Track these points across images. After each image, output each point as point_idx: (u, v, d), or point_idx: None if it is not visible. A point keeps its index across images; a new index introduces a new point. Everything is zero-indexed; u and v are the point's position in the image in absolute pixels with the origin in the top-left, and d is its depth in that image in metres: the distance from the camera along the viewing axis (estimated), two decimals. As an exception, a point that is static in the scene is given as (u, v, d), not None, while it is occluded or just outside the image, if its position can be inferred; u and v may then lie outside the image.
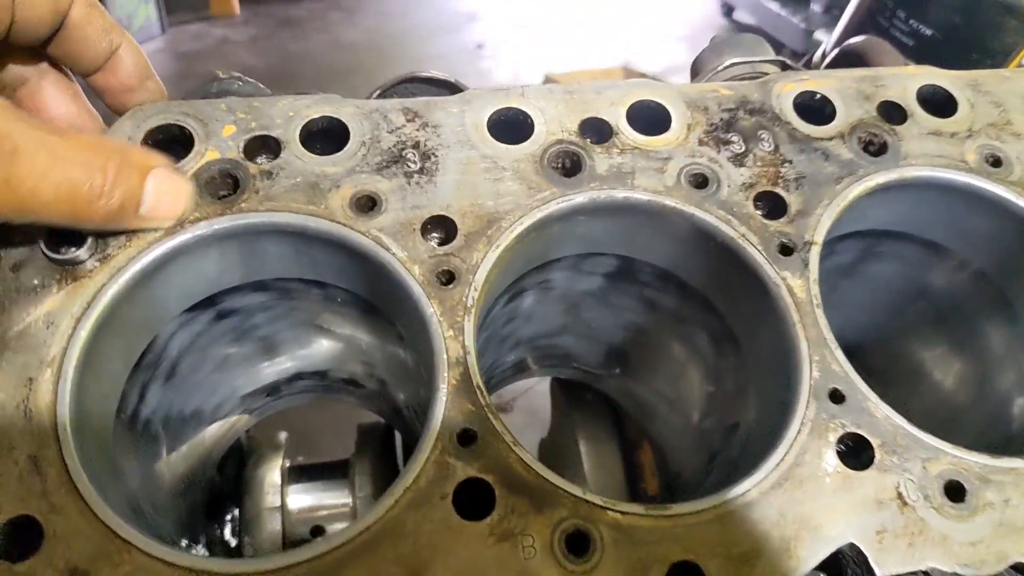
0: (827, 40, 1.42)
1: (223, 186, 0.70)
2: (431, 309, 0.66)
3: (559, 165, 0.75)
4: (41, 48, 0.67)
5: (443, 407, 0.63)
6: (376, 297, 0.76)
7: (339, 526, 1.09)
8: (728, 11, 8.46)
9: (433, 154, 0.73)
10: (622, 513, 0.60)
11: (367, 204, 0.70)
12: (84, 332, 0.62)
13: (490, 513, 0.60)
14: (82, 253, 0.63)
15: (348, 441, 1.35)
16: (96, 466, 0.61)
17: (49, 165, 0.56)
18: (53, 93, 0.72)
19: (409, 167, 0.72)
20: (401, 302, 0.70)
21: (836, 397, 0.67)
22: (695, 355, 0.87)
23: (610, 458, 1.08)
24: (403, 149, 0.73)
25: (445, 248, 0.69)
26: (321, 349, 0.92)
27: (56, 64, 0.71)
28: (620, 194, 0.73)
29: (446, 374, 0.64)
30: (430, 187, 0.71)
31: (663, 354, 0.92)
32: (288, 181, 0.70)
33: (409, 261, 0.68)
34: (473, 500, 0.61)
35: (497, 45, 7.73)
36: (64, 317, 0.62)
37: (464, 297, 0.67)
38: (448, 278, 0.68)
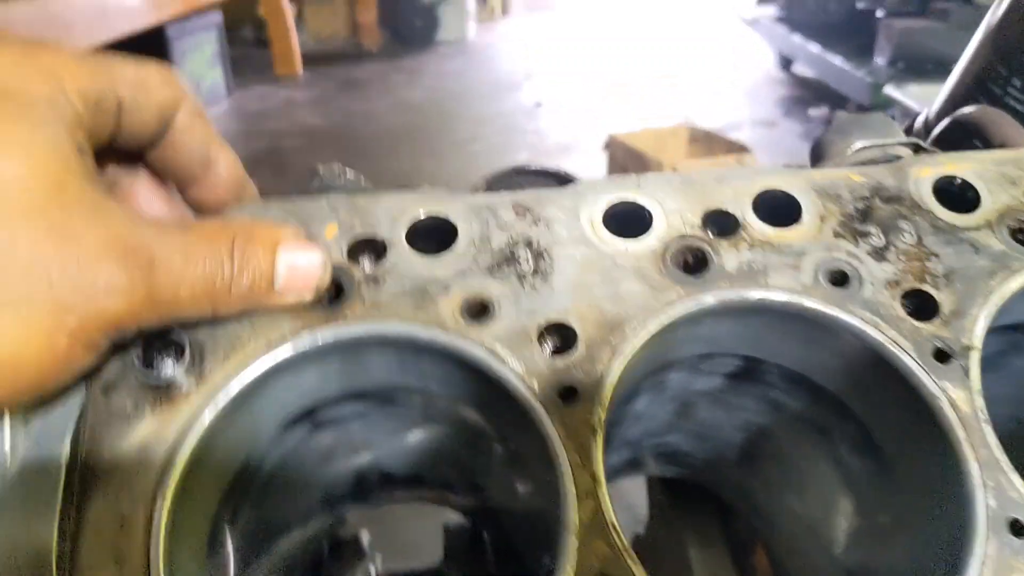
0: (928, 107, 1.34)
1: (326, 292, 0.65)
2: (554, 433, 0.60)
3: (683, 262, 0.68)
4: (139, 152, 0.64)
5: (573, 552, 0.56)
6: (486, 411, 0.70)
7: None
8: (786, 64, 8.41)
9: (547, 253, 0.67)
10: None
11: (479, 310, 0.65)
12: (180, 462, 0.57)
13: None
14: (179, 375, 0.59)
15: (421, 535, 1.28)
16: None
17: (184, 266, 0.54)
18: (147, 195, 0.68)
19: (521, 267, 0.67)
20: (515, 419, 0.64)
21: (1019, 529, 0.58)
22: (829, 467, 0.79)
23: (721, 562, 0.99)
24: (514, 247, 0.67)
25: (565, 359, 0.63)
26: (416, 455, 0.86)
27: (152, 169, 0.67)
28: (754, 295, 0.67)
29: (574, 514, 0.57)
30: (545, 289, 0.66)
31: (789, 462, 0.84)
32: (395, 286, 0.65)
33: (527, 375, 0.62)
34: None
35: (555, 103, 7.80)
36: (159, 446, 0.57)
37: (590, 416, 0.61)
38: (570, 394, 0.62)
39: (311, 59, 9.05)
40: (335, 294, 0.65)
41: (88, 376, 0.58)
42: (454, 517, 1.13)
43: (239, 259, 0.57)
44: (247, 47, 9.68)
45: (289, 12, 8.77)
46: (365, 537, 1.06)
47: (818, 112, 7.06)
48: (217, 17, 7.72)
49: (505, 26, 11.58)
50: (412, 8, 10.09)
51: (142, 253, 0.52)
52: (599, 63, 9.09)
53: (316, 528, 0.93)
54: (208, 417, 0.58)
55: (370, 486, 0.91)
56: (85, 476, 0.56)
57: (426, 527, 1.21)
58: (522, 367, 0.62)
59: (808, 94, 7.63)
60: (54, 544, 0.53)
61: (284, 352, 0.61)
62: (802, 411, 0.79)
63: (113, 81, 0.56)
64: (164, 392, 0.59)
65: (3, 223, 0.48)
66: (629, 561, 0.56)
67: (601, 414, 0.61)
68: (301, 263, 0.60)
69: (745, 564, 1.00)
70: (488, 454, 0.77)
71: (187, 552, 0.59)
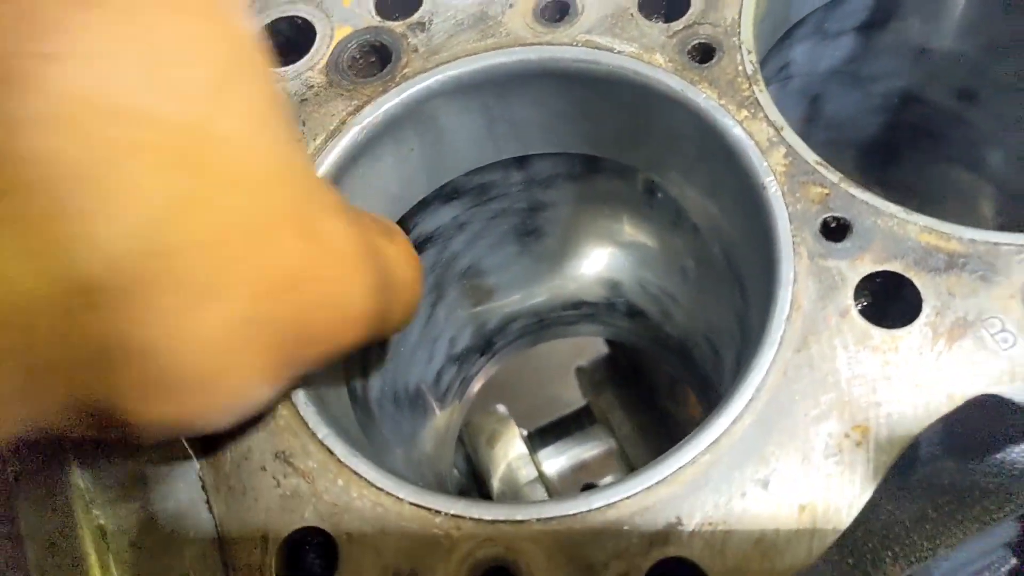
0: None
1: (370, 63, 0.53)
2: (702, 96, 0.47)
3: None
4: None
5: (782, 203, 0.44)
6: (603, 138, 0.57)
7: (609, 477, 0.91)
8: None
9: (610, -76, 0.54)
10: None
11: (557, 10, 0.52)
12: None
13: (917, 314, 0.41)
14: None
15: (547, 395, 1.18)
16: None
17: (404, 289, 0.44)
18: None
19: (588, -52, 0.53)
20: (648, 119, 0.51)
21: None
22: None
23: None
24: (570, -67, 0.54)
25: (683, 20, 0.50)
26: (530, 266, 0.74)
27: None
28: None
29: (765, 163, 0.45)
30: (626, -40, 0.53)
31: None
32: (447, 24, 0.52)
33: (644, 53, 0.49)
34: (881, 304, 0.42)
35: None
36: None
37: (739, 65, 0.48)
38: (705, 52, 0.49)
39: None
40: (383, 60, 0.53)
41: None
42: (580, 358, 1.03)
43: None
44: None
45: None
46: (501, 408, 0.95)
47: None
48: None
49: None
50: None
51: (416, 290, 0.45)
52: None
53: (453, 407, 0.82)
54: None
55: (491, 331, 0.79)
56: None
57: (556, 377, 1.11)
58: (635, 47, 0.49)
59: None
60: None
61: (348, 135, 0.49)
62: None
63: None
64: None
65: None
66: (852, 189, 0.43)
67: (751, 59, 0.48)
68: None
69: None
70: (624, 198, 0.64)
71: (329, 390, 0.48)
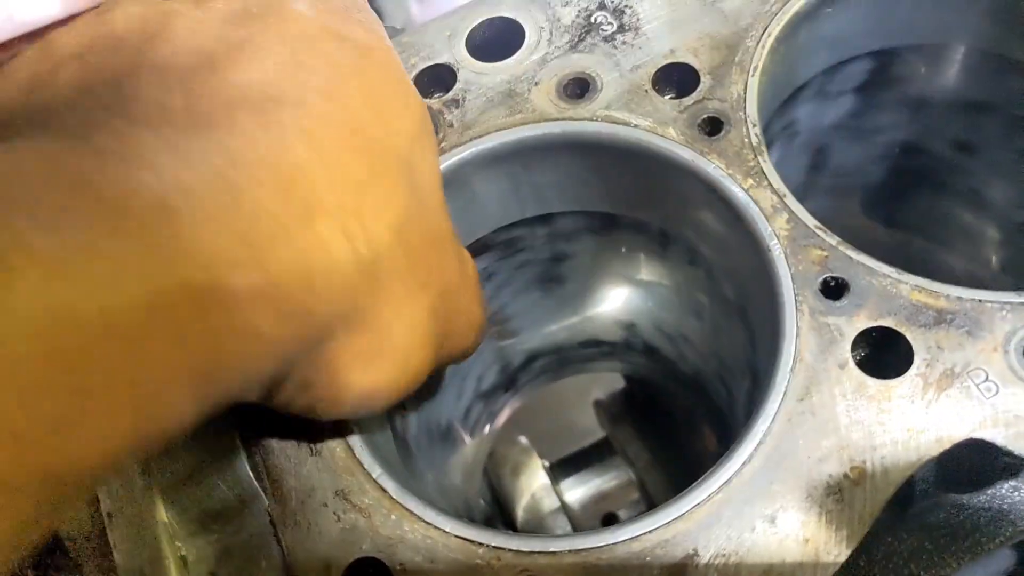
0: None
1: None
2: (711, 166, 0.52)
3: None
4: None
5: (785, 264, 0.49)
6: (621, 199, 0.62)
7: (628, 506, 0.96)
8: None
9: (626, 6, 0.60)
10: None
11: (578, 87, 0.57)
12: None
13: (908, 366, 0.46)
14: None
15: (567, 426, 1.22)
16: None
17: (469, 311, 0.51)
18: None
19: (605, 30, 0.59)
20: (663, 184, 0.56)
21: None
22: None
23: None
24: (589, 16, 0.60)
25: (693, 96, 0.55)
26: (552, 309, 0.79)
27: None
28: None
29: (770, 228, 0.50)
30: (641, 41, 0.58)
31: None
32: (479, 100, 0.58)
33: (658, 126, 0.55)
34: (876, 356, 0.47)
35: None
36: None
37: (745, 137, 0.53)
38: (713, 126, 0.54)
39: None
40: (421, 132, 0.58)
41: None
42: (598, 393, 1.07)
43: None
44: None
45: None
46: (523, 439, 1.00)
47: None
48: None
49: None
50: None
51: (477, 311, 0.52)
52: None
53: (480, 437, 0.87)
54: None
55: (515, 369, 0.84)
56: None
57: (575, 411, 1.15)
58: (648, 121, 0.55)
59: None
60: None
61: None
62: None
63: None
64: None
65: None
66: (849, 251, 0.48)
67: (756, 132, 0.53)
68: None
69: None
70: (642, 245, 0.69)
71: (374, 425, 0.53)
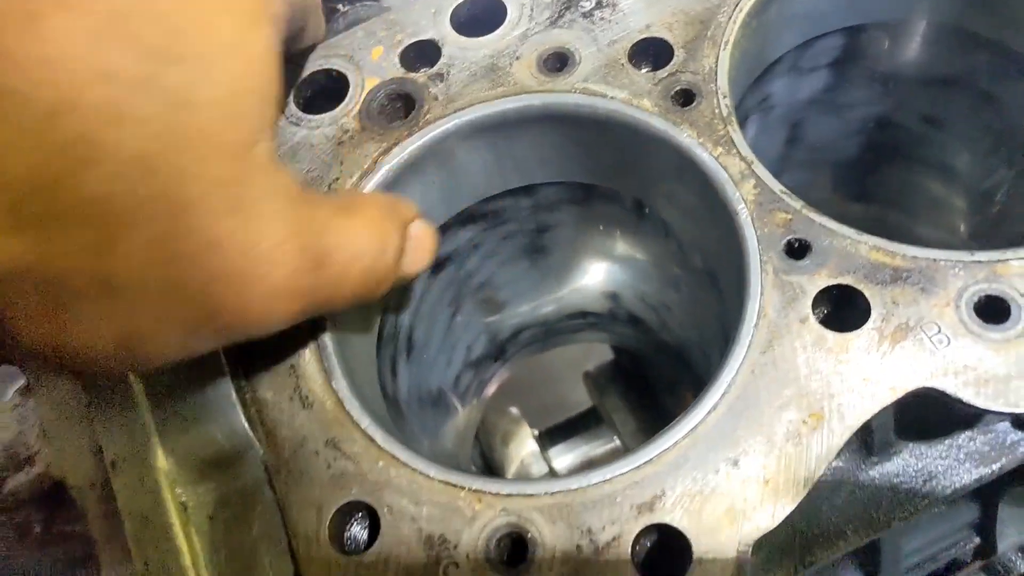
0: None
1: (396, 109, 0.61)
2: (684, 135, 0.55)
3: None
4: None
5: (751, 227, 0.52)
6: (598, 169, 0.65)
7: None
8: None
9: (604, -16, 0.62)
10: None
11: (557, 61, 0.60)
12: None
13: (865, 320, 0.48)
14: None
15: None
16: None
17: (349, 263, 0.46)
18: None
19: (584, 6, 0.62)
20: (637, 153, 0.59)
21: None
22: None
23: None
24: (569, -8, 0.62)
25: (667, 69, 0.58)
26: (538, 280, 0.82)
27: None
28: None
29: (738, 192, 0.53)
30: (618, 16, 0.61)
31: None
32: (463, 74, 0.61)
33: (633, 98, 0.57)
34: (835, 312, 0.50)
35: None
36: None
37: (715, 108, 0.56)
38: (686, 97, 0.57)
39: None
40: (407, 106, 0.61)
41: None
42: (587, 364, 1.11)
43: (394, 245, 0.50)
44: None
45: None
46: (514, 410, 1.03)
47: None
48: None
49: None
50: None
51: (316, 249, 0.44)
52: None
53: (471, 407, 0.90)
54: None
55: (503, 340, 0.87)
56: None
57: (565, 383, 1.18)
58: (625, 93, 0.58)
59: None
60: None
61: (380, 173, 0.57)
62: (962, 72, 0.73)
63: None
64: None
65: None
66: (811, 214, 0.51)
67: (726, 103, 0.56)
68: (421, 234, 0.54)
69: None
70: (619, 219, 0.72)
71: (362, 383, 0.56)
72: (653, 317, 0.82)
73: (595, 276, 0.81)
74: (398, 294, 0.66)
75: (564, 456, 0.99)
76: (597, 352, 1.09)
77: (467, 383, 0.86)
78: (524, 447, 0.97)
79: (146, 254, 0.37)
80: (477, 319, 0.82)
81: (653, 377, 0.99)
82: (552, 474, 0.95)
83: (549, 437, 1.01)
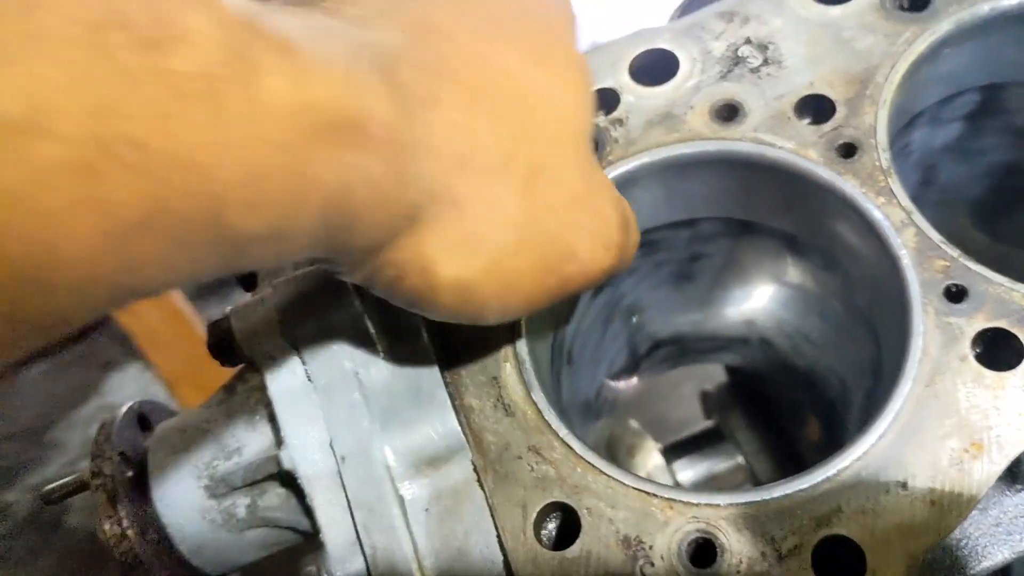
0: None
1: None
2: (848, 185, 0.61)
3: (899, 3, 0.68)
4: None
5: (913, 271, 0.57)
6: (759, 208, 0.71)
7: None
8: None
9: (769, 43, 0.68)
10: None
11: (727, 111, 0.66)
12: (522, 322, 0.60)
13: (1020, 361, 0.53)
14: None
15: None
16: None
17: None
18: None
19: (751, 63, 0.68)
20: (800, 197, 0.65)
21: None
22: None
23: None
24: (737, 49, 0.69)
25: (830, 123, 0.64)
26: (681, 303, 0.88)
27: None
28: (984, 7, 0.66)
29: (899, 240, 0.58)
30: (784, 73, 0.67)
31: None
32: (640, 121, 0.67)
33: (800, 148, 0.63)
34: (991, 351, 0.55)
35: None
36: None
37: (876, 161, 0.61)
38: (847, 150, 0.63)
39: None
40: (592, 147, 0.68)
41: None
42: (706, 383, 1.16)
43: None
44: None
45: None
46: (633, 422, 1.09)
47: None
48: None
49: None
50: None
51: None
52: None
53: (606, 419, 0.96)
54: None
55: (639, 356, 0.93)
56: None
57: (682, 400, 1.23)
58: (792, 144, 0.63)
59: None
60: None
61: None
62: None
63: None
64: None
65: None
66: (970, 263, 0.56)
67: (886, 156, 0.61)
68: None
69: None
70: (768, 253, 0.78)
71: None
72: (786, 343, 0.87)
73: (736, 303, 0.86)
74: (568, 311, 0.73)
75: (687, 471, 1.05)
76: (715, 371, 1.15)
77: (605, 395, 0.92)
78: (650, 460, 1.03)
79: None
80: (622, 338, 0.89)
81: (774, 398, 1.04)
82: (677, 486, 1.00)
83: (672, 452, 1.07)
